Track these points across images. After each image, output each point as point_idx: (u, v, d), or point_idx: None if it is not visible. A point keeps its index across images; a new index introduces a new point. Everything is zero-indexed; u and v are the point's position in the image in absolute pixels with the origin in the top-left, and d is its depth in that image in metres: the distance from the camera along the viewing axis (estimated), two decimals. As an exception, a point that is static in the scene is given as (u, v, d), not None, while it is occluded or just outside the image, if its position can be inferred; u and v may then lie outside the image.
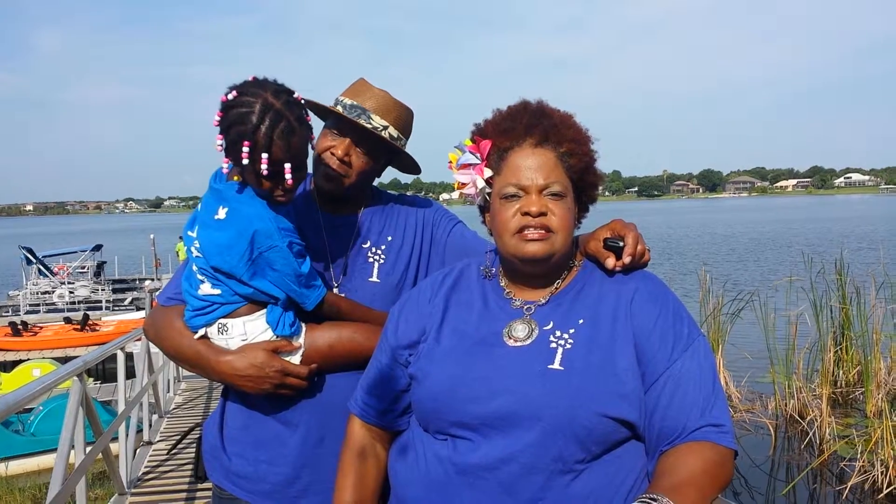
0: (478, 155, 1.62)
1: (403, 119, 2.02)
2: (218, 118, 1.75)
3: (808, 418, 8.72)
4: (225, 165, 1.80)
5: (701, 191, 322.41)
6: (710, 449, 1.39)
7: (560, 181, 1.54)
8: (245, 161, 1.71)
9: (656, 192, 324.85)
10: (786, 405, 9.42)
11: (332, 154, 1.95)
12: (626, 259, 1.56)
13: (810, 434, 8.49)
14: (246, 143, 1.70)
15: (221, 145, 1.75)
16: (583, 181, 1.61)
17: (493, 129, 1.61)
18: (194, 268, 1.87)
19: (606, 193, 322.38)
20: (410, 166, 2.14)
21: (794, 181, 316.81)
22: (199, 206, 1.91)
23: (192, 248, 1.86)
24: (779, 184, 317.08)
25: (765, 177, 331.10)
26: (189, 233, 1.89)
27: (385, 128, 1.97)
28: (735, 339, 10.95)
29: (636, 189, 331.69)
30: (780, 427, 9.15)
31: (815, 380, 9.41)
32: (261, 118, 1.70)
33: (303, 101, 1.81)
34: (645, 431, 1.46)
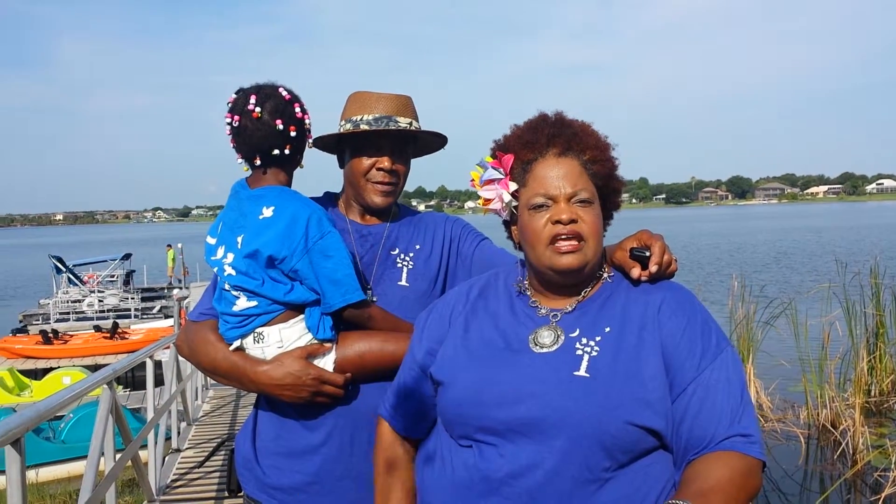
0: (501, 170, 1.63)
1: (413, 108, 2.08)
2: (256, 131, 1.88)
3: (841, 428, 8.58)
4: (245, 168, 1.93)
5: (730, 198, 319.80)
6: (738, 458, 1.38)
7: (587, 188, 1.55)
8: (310, 142, 1.98)
9: (684, 200, 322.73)
10: (818, 414, 9.28)
11: (380, 169, 2.00)
12: (653, 269, 1.56)
13: (843, 444, 8.35)
14: (292, 127, 1.89)
15: (277, 154, 1.90)
16: (607, 187, 1.62)
17: (515, 142, 1.63)
18: (226, 287, 1.90)
19: (633, 201, 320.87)
20: (435, 142, 2.18)
21: (824, 187, 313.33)
22: (228, 217, 1.94)
23: (225, 267, 1.89)
24: (809, 190, 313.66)
25: (795, 183, 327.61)
26: (213, 257, 1.93)
27: (410, 123, 2.03)
28: (767, 348, 10.80)
29: (664, 196, 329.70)
30: (812, 437, 9.02)
31: (849, 388, 9.27)
32: (289, 100, 1.91)
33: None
34: (672, 441, 1.45)
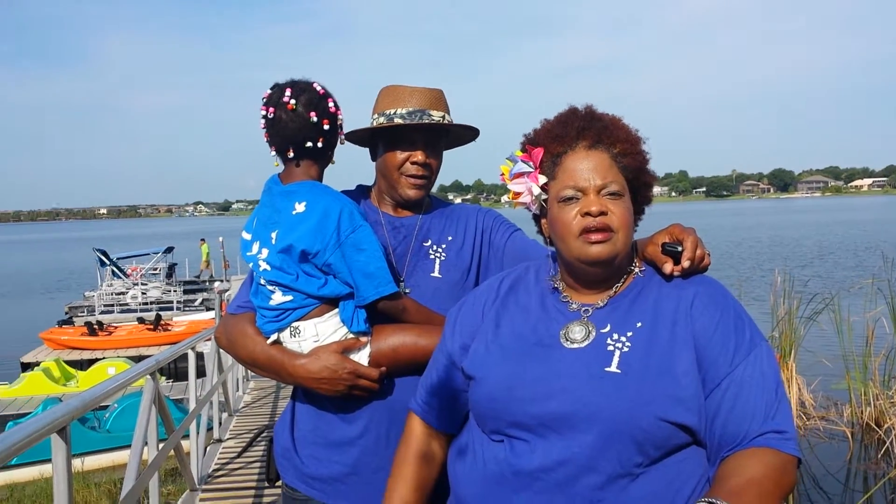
0: (530, 163, 1.63)
1: (445, 101, 2.09)
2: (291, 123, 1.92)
3: (886, 426, 8.43)
4: (276, 164, 1.97)
5: (772, 191, 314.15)
6: (772, 455, 1.37)
7: (617, 180, 1.55)
8: (342, 137, 2.02)
9: (725, 193, 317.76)
10: (862, 412, 9.11)
11: (414, 163, 2.03)
12: (685, 264, 1.55)
13: (888, 442, 8.20)
14: (326, 120, 1.94)
15: (310, 146, 1.93)
16: (637, 181, 1.61)
17: (545, 136, 1.63)
18: (262, 281, 1.93)
19: (673, 194, 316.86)
20: (467, 135, 2.19)
21: (869, 180, 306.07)
22: (262, 213, 1.98)
23: (260, 263, 1.92)
24: (853, 183, 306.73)
25: (838, 176, 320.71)
26: (248, 252, 1.97)
27: (443, 117, 2.05)
28: (809, 345, 10.62)
29: (704, 189, 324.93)
30: (856, 435, 8.86)
31: (893, 386, 9.08)
32: (323, 95, 1.96)
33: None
34: (706, 437, 1.44)
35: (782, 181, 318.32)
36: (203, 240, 34.54)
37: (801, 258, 34.96)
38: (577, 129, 1.59)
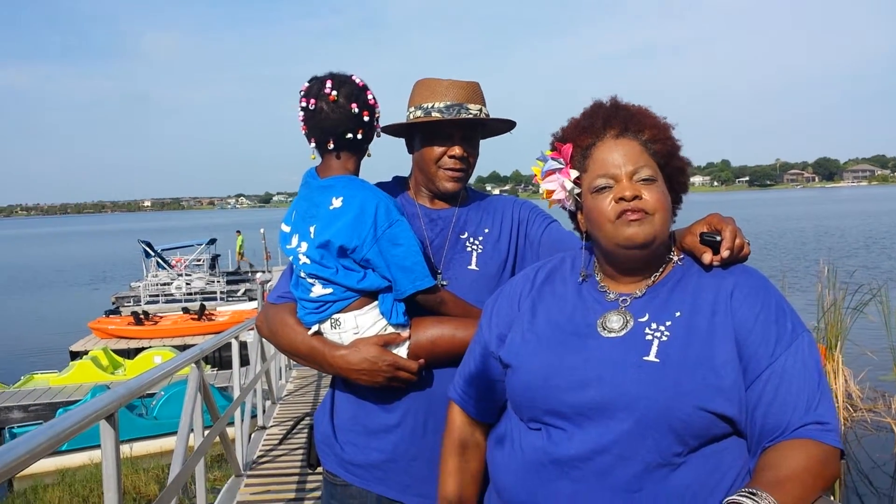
0: (560, 160, 1.63)
1: (482, 94, 2.08)
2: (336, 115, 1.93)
3: (934, 418, 8.26)
4: (313, 157, 1.98)
5: (817, 180, 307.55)
6: (814, 446, 1.36)
7: (649, 165, 1.54)
8: (379, 130, 2.03)
9: (768, 182, 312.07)
10: (909, 405, 8.95)
11: (451, 157, 2.04)
12: (724, 253, 1.53)
13: (935, 435, 8.04)
14: (365, 112, 1.95)
15: (350, 138, 1.95)
16: (670, 166, 1.60)
17: (572, 131, 1.63)
18: (302, 274, 1.97)
19: (715, 183, 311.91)
20: (503, 127, 2.18)
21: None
22: (301, 206, 2.00)
23: (299, 256, 1.96)
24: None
25: (886, 164, 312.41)
26: (287, 246, 2.00)
27: (480, 110, 2.05)
28: (856, 336, 10.43)
29: (747, 179, 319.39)
30: (903, 427, 8.70)
31: (942, 378, 8.90)
32: (362, 87, 1.98)
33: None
34: (746, 428, 1.43)
35: (827, 170, 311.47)
36: (238, 231, 34.84)
37: (847, 248, 34.26)
38: (604, 118, 1.59)
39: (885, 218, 60.10)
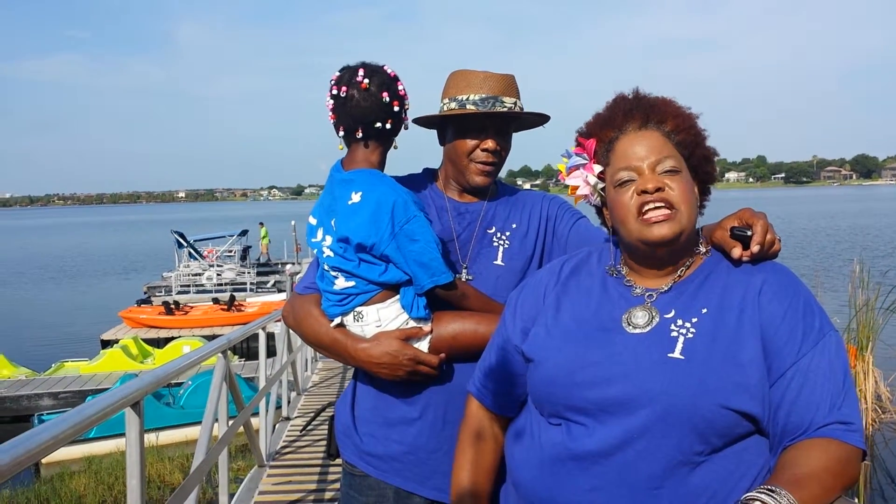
0: (584, 155, 1.62)
1: (517, 87, 2.06)
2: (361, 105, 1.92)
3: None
4: (341, 147, 1.98)
5: (854, 177, 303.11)
6: (836, 446, 1.34)
7: (672, 156, 1.52)
8: (407, 123, 2.02)
9: (805, 179, 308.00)
10: (941, 407, 8.79)
11: (484, 150, 2.02)
12: (755, 249, 1.50)
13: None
14: (396, 102, 1.94)
15: (380, 127, 1.94)
16: (694, 156, 1.58)
17: (595, 125, 1.62)
18: (325, 267, 1.97)
19: (750, 180, 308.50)
20: (537, 120, 2.15)
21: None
22: (325, 200, 2.01)
23: (324, 249, 1.96)
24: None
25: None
26: (313, 239, 2.01)
27: (514, 104, 2.02)
28: (888, 337, 10.27)
29: (783, 175, 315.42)
30: (934, 431, 8.54)
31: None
32: (394, 77, 1.97)
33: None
34: (769, 426, 1.41)
35: (865, 167, 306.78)
36: (262, 223, 34.96)
37: (883, 248, 33.72)
38: (625, 110, 1.57)
39: (922, 217, 59.04)
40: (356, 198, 1.91)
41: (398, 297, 1.94)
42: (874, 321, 9.79)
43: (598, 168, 1.60)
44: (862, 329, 9.56)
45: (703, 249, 1.60)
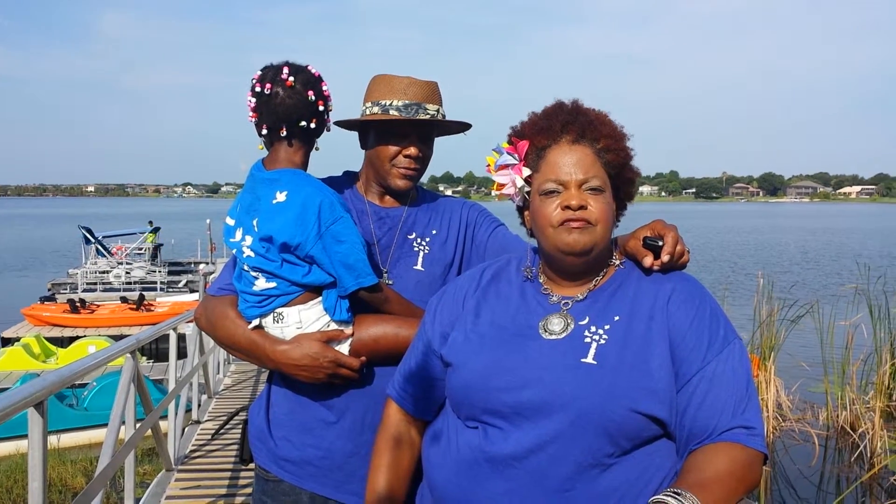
0: (515, 155, 1.64)
1: (439, 94, 2.07)
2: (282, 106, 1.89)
3: (860, 430, 8.54)
4: (261, 147, 1.96)
5: (761, 194, 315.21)
6: (739, 450, 1.39)
7: (599, 176, 1.56)
8: (330, 125, 2.00)
9: (714, 195, 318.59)
10: (837, 416, 9.23)
11: (406, 156, 2.02)
12: (665, 258, 1.56)
13: (861, 447, 8.30)
14: (320, 101, 1.92)
15: (304, 126, 1.91)
16: (620, 177, 1.62)
17: (530, 129, 1.64)
18: (245, 267, 1.93)
19: (663, 194, 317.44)
20: (459, 127, 2.16)
21: (858, 188, 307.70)
22: (245, 199, 1.97)
23: (243, 249, 1.92)
24: (842, 190, 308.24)
25: (828, 182, 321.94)
26: (231, 239, 1.97)
27: (437, 111, 2.03)
28: (790, 348, 10.74)
29: (693, 190, 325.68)
30: (830, 438, 8.98)
31: (870, 392, 9.20)
32: (318, 77, 1.95)
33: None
34: (675, 430, 1.46)
35: (772, 185, 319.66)
36: (151, 222, 33.09)
37: (786, 263, 35.21)
38: (562, 122, 1.60)
39: (824, 235, 61.91)
40: (281, 197, 1.87)
41: (320, 299, 1.92)
42: (776, 333, 10.23)
43: (526, 171, 1.62)
44: (765, 340, 9.97)
45: (617, 261, 1.64)
